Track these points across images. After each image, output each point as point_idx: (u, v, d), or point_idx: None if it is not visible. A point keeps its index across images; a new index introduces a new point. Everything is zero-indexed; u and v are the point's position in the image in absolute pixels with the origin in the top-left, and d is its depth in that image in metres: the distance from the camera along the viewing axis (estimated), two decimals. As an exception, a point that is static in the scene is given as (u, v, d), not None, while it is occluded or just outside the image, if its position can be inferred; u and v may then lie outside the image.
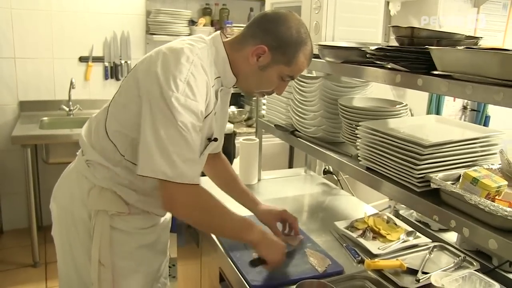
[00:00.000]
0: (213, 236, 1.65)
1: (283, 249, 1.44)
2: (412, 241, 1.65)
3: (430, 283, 1.32)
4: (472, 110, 3.28)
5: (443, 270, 1.42)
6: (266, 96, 2.13)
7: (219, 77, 1.41)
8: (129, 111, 1.32)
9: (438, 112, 2.96)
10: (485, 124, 3.21)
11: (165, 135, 1.21)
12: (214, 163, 1.72)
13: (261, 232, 1.42)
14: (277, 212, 1.65)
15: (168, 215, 1.63)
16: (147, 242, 1.49)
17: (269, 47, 1.35)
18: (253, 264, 1.44)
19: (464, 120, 3.22)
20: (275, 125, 2.02)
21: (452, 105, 3.21)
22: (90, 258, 1.40)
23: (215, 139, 1.43)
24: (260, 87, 1.45)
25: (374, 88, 1.79)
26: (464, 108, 3.23)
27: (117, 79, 3.74)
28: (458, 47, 1.10)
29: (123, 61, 3.75)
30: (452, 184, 1.15)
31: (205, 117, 1.33)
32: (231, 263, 1.50)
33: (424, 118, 1.69)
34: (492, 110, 3.20)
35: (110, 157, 1.38)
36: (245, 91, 1.49)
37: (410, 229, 1.73)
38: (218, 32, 1.46)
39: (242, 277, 1.41)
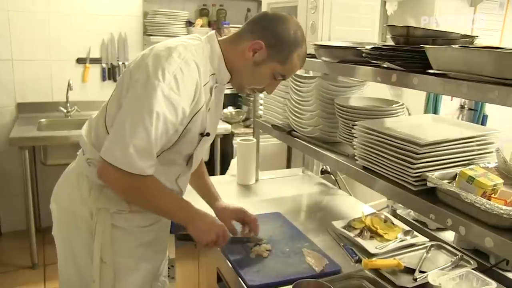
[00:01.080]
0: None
1: (214, 234, 1.42)
2: (409, 240, 1.65)
3: (428, 282, 1.32)
4: (470, 109, 3.28)
5: (440, 269, 1.42)
6: (263, 96, 2.15)
7: (214, 74, 1.43)
8: (120, 106, 1.34)
9: (435, 111, 2.96)
10: (483, 123, 3.21)
11: (129, 123, 1.24)
12: None
13: (192, 219, 1.43)
14: (232, 210, 1.64)
15: None
16: (147, 240, 1.50)
17: (266, 44, 1.37)
18: (180, 237, 1.46)
19: (462, 119, 3.22)
20: (272, 125, 2.02)
21: (449, 104, 3.21)
22: (91, 256, 1.41)
23: (208, 134, 1.44)
24: (252, 83, 1.47)
25: (371, 88, 1.79)
26: (462, 107, 3.24)
27: (115, 81, 3.73)
28: (453, 46, 1.10)
29: (120, 63, 3.74)
30: (449, 182, 1.15)
31: (195, 113, 1.35)
32: (228, 263, 1.50)
33: (421, 117, 1.69)
34: (490, 109, 3.20)
35: None
36: (237, 86, 1.50)
37: (407, 228, 1.73)
38: (213, 31, 1.49)
39: (239, 277, 1.42)
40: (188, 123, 1.35)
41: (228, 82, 1.49)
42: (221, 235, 1.44)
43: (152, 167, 1.30)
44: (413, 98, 2.89)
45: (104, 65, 3.72)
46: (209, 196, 1.71)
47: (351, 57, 1.47)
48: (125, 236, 1.44)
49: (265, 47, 1.37)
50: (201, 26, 3.78)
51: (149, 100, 1.24)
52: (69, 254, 1.49)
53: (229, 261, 1.50)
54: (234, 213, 1.64)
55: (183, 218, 1.44)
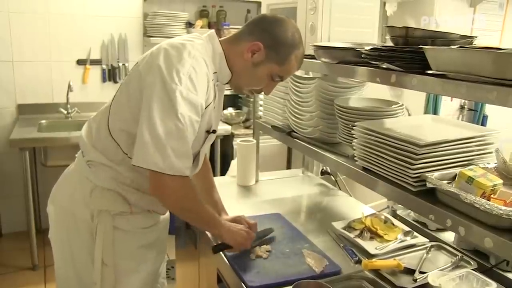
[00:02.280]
0: (211, 238, 1.65)
1: (245, 234, 1.51)
2: (409, 241, 1.65)
3: (428, 283, 1.32)
4: (470, 109, 3.28)
5: (440, 270, 1.42)
6: (263, 97, 2.15)
7: (216, 72, 1.44)
8: (131, 108, 1.34)
9: (435, 112, 2.96)
10: (483, 123, 3.21)
11: (161, 127, 1.24)
12: None
13: (223, 225, 1.50)
14: (231, 218, 1.66)
15: (167, 214, 1.63)
16: (148, 241, 1.50)
17: (264, 45, 1.39)
18: (216, 248, 1.50)
19: (462, 120, 3.22)
20: (272, 126, 2.02)
21: (449, 105, 3.21)
22: (91, 258, 1.41)
23: (214, 131, 1.46)
24: (251, 84, 1.49)
25: (371, 89, 1.79)
26: (462, 107, 3.24)
27: (115, 82, 3.73)
28: (452, 47, 1.10)
29: (120, 64, 3.74)
30: (448, 183, 1.15)
31: (204, 109, 1.35)
32: (228, 264, 1.50)
33: (421, 118, 1.69)
34: (490, 109, 3.20)
35: (112, 156, 1.40)
36: (235, 87, 1.52)
37: (407, 229, 1.73)
38: (213, 30, 1.51)
39: (239, 278, 1.41)
40: None
41: (226, 83, 1.49)
42: (248, 232, 1.52)
43: (189, 169, 1.31)
44: (413, 98, 2.89)
45: (104, 66, 3.72)
46: (217, 212, 1.69)
47: (350, 58, 1.47)
48: (126, 238, 1.44)
49: (263, 49, 1.39)
50: (201, 27, 3.78)
51: (172, 104, 1.25)
52: (68, 256, 1.49)
53: (229, 262, 1.50)
54: (233, 221, 1.64)
55: (217, 226, 1.48)
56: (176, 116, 1.24)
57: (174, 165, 1.25)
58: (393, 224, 1.76)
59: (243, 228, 1.54)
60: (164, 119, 1.24)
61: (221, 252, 1.55)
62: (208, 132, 1.44)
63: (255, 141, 2.26)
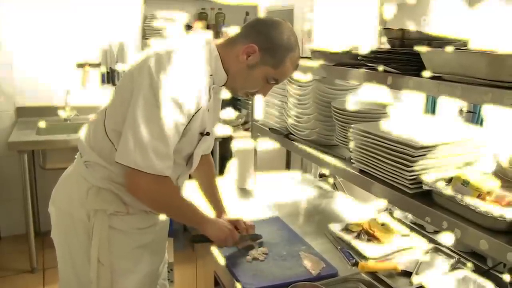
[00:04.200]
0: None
1: (227, 232, 1.53)
2: (406, 243, 1.64)
3: (425, 285, 1.32)
4: (469, 111, 3.27)
5: (437, 272, 1.42)
6: (262, 100, 2.16)
7: (211, 75, 1.44)
8: (124, 109, 1.35)
9: (434, 114, 2.95)
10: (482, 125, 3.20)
11: (144, 127, 1.26)
12: (200, 164, 1.72)
13: (207, 220, 1.52)
14: (230, 220, 1.66)
15: (166, 216, 1.64)
16: (144, 242, 1.51)
17: (259, 47, 1.39)
18: (195, 238, 1.54)
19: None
20: (269, 128, 2.02)
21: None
22: (88, 258, 1.42)
23: (207, 133, 1.47)
24: (246, 87, 1.49)
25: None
26: (461, 110, 3.23)
27: (114, 84, 3.73)
28: (447, 49, 1.10)
29: (119, 67, 3.74)
30: (445, 185, 1.15)
31: (196, 112, 1.36)
32: (225, 266, 1.50)
33: (419, 119, 1.69)
34: (489, 111, 3.19)
35: (108, 157, 1.41)
36: (231, 89, 1.53)
37: (405, 231, 1.73)
38: (209, 33, 1.52)
39: (236, 280, 1.41)
40: (189, 122, 1.36)
41: (222, 85, 1.50)
42: (232, 231, 1.53)
43: (169, 168, 1.33)
44: (413, 100, 2.88)
45: (103, 69, 3.73)
46: (217, 210, 1.71)
47: (347, 60, 1.47)
48: (122, 238, 1.45)
49: (258, 51, 1.39)
50: (200, 30, 3.79)
51: (157, 104, 1.26)
52: (67, 256, 1.51)
53: (226, 264, 1.50)
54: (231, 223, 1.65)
55: (199, 221, 1.50)
56: (160, 117, 1.26)
57: (154, 165, 1.28)
58: (390, 226, 1.76)
59: (228, 225, 1.55)
60: (148, 119, 1.27)
61: (218, 255, 1.55)
62: (202, 134, 1.44)
63: (253, 143, 2.26)
